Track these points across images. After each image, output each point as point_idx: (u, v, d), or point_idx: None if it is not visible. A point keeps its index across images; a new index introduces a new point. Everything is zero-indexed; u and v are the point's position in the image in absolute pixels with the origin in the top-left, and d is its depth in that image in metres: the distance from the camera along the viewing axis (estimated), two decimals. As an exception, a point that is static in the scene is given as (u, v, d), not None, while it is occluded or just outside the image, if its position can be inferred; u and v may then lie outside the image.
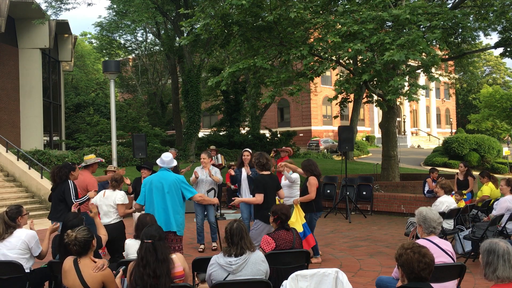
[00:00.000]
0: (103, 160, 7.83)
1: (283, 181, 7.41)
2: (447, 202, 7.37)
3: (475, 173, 17.46)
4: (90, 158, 7.31)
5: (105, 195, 6.06)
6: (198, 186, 7.94)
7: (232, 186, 12.95)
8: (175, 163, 5.80)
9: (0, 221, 4.74)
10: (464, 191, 9.65)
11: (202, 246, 7.99)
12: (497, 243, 3.03)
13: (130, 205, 6.44)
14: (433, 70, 12.95)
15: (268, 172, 6.24)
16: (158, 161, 5.75)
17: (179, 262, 3.86)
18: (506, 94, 36.01)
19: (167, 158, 5.69)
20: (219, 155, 12.33)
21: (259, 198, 6.03)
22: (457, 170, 10.86)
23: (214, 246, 8.01)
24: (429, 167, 26.71)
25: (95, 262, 3.78)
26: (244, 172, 7.96)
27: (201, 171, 8.03)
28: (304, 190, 6.98)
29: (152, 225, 3.96)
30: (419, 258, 3.07)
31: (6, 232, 4.70)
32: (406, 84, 11.61)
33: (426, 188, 11.01)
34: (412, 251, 3.11)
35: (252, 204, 7.74)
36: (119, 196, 6.01)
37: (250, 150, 8.19)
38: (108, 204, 5.99)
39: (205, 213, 8.12)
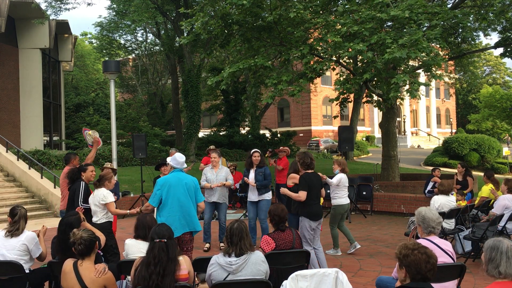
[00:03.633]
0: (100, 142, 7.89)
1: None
2: (440, 201, 7.34)
3: (476, 173, 17.42)
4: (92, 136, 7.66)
5: (93, 194, 5.96)
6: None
7: (232, 186, 12.95)
8: (185, 164, 5.77)
9: (22, 219, 4.79)
10: (464, 191, 9.65)
11: (207, 245, 8.03)
12: (501, 241, 3.05)
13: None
14: (433, 69, 12.93)
15: (312, 171, 6.30)
16: (171, 162, 5.64)
17: (185, 265, 3.86)
18: (506, 94, 35.98)
19: (182, 159, 5.63)
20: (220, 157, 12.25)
21: (302, 195, 6.11)
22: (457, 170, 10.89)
23: (222, 246, 8.02)
24: (429, 167, 26.74)
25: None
26: (252, 173, 7.92)
27: (211, 171, 7.99)
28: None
29: (161, 224, 3.97)
30: (427, 259, 3.09)
31: (20, 229, 4.76)
32: (407, 81, 11.59)
33: (429, 187, 10.96)
34: (419, 251, 3.12)
35: (264, 204, 7.83)
36: (101, 197, 5.80)
37: (259, 151, 8.13)
38: (94, 203, 5.86)
39: (215, 211, 8.15)
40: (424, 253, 3.11)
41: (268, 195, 7.96)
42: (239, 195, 13.14)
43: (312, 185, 6.19)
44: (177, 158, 5.64)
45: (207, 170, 8.06)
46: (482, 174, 9.56)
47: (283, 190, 6.49)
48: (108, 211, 5.89)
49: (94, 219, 5.87)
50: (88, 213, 5.95)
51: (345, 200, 7.63)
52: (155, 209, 5.62)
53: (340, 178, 7.55)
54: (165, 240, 3.68)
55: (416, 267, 3.08)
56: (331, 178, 7.63)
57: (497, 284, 2.96)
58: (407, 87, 11.92)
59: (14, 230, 4.73)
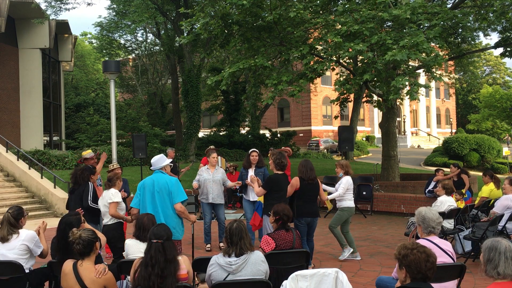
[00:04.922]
0: (99, 153, 8.09)
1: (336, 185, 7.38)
2: (448, 202, 7.40)
3: (477, 173, 17.40)
4: (88, 152, 7.65)
5: (102, 195, 5.98)
6: (206, 186, 7.84)
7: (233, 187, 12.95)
8: (164, 162, 5.64)
9: (4, 223, 4.71)
10: (462, 190, 9.67)
11: (208, 246, 8.02)
12: (499, 241, 3.04)
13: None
14: (433, 70, 12.93)
15: (282, 172, 6.28)
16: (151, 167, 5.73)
17: (184, 265, 3.86)
18: (506, 94, 36.03)
19: (154, 159, 5.62)
20: (219, 158, 12.28)
21: (260, 192, 6.19)
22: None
23: (222, 246, 8.03)
24: (429, 167, 26.72)
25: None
26: (251, 172, 7.85)
27: (207, 171, 7.96)
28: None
29: (159, 224, 3.95)
30: (426, 258, 3.09)
31: (10, 234, 4.69)
32: (407, 83, 11.59)
33: (430, 187, 10.96)
34: (418, 251, 3.12)
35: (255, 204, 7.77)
36: (109, 195, 5.80)
37: (257, 151, 8.08)
38: (104, 204, 5.86)
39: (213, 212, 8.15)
40: (423, 252, 3.12)
41: None
42: (239, 195, 13.13)
43: (279, 186, 6.15)
44: (152, 161, 5.64)
45: (203, 170, 8.01)
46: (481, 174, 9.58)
47: (251, 181, 6.48)
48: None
49: (105, 220, 5.87)
50: (95, 213, 5.95)
51: (353, 203, 7.25)
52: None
53: (346, 183, 7.14)
54: (162, 241, 3.63)
55: (417, 266, 3.08)
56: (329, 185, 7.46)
57: (496, 285, 2.96)
58: (407, 88, 11.92)
59: (6, 235, 4.66)
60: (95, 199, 6.10)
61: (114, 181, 5.95)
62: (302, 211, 6.29)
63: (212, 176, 7.86)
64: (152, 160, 5.63)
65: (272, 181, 6.21)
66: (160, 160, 5.61)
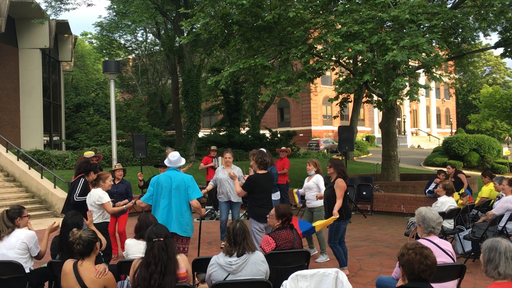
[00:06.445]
0: (100, 156, 8.28)
1: (306, 183, 7.30)
2: (449, 202, 7.39)
3: (476, 173, 17.41)
4: (90, 153, 7.72)
5: (90, 194, 5.98)
6: (223, 185, 7.95)
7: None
8: (182, 161, 5.71)
9: None
10: (461, 190, 9.68)
11: (223, 243, 8.04)
12: (499, 241, 3.04)
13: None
14: (433, 70, 12.94)
15: (265, 171, 6.23)
16: (165, 161, 5.73)
17: (183, 263, 3.87)
18: (506, 94, 36.03)
19: (174, 157, 5.62)
20: (219, 157, 12.31)
21: (240, 192, 6.21)
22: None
23: (222, 245, 8.06)
24: (429, 167, 26.70)
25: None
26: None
27: (222, 171, 8.05)
28: (330, 194, 6.32)
29: (157, 224, 3.96)
30: (421, 259, 3.05)
31: (2, 231, 4.69)
32: (407, 84, 11.60)
33: (430, 187, 10.96)
34: (414, 252, 3.09)
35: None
36: (96, 197, 5.81)
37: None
38: (90, 203, 5.86)
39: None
40: (419, 253, 3.08)
41: (276, 195, 7.95)
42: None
43: (260, 187, 6.08)
44: (169, 158, 5.66)
45: (219, 170, 8.12)
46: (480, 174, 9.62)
47: (230, 177, 6.52)
48: (104, 212, 5.91)
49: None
50: (81, 207, 5.95)
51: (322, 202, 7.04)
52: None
53: (323, 181, 7.11)
54: (163, 239, 3.66)
55: (409, 266, 3.07)
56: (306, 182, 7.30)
57: (497, 285, 2.96)
58: (407, 88, 11.92)
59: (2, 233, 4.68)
60: (83, 193, 6.11)
61: (97, 181, 5.97)
62: (348, 212, 6.31)
63: (226, 176, 7.93)
64: (172, 158, 5.62)
65: (252, 181, 6.10)
66: (180, 160, 5.66)
